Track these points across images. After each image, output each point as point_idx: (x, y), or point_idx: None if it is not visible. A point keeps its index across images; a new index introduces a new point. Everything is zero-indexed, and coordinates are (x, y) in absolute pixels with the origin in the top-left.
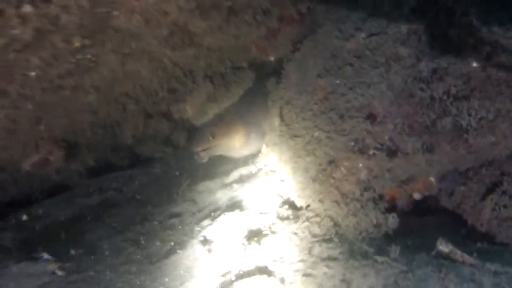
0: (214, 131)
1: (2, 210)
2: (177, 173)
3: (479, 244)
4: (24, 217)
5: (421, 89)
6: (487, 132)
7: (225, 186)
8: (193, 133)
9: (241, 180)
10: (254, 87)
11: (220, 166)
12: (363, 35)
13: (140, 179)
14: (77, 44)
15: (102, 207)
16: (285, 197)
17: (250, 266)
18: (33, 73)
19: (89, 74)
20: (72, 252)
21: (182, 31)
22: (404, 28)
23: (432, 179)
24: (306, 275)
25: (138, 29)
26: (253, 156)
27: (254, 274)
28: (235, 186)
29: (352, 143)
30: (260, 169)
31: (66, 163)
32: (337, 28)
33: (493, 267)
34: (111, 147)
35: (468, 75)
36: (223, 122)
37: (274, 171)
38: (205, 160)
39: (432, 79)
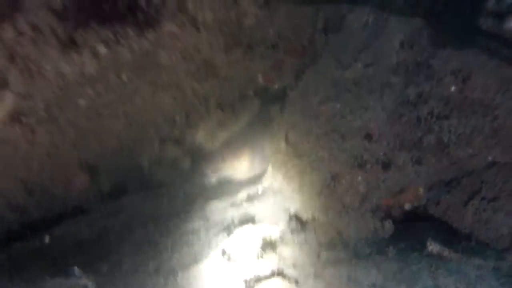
0: (223, 155)
1: (25, 231)
2: (189, 193)
3: (463, 244)
4: (47, 239)
5: (409, 111)
6: (465, 145)
7: (235, 204)
8: (204, 156)
9: (250, 198)
10: (258, 114)
11: (228, 186)
12: (359, 65)
13: (153, 200)
14: (124, 78)
15: (121, 227)
16: (292, 211)
17: (267, 271)
18: (83, 103)
19: (125, 103)
20: (100, 267)
21: (207, 65)
22: (394, 59)
23: (421, 190)
24: (317, 276)
25: (175, 64)
26: (259, 177)
27: (271, 277)
28: (245, 204)
29: (352, 159)
30: (266, 188)
31: (88, 186)
32: (336, 59)
33: (476, 261)
34: (126, 170)
35: (448, 97)
36: (231, 147)
37: (280, 189)
38: (214, 180)
39: (418, 102)
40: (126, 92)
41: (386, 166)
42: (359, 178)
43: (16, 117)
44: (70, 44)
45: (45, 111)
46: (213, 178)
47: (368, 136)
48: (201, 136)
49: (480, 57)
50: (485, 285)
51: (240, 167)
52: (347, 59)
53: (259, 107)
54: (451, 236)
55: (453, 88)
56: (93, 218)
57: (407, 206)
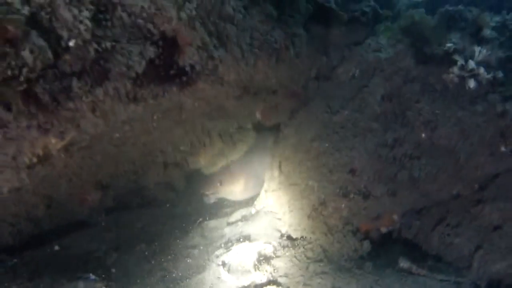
0: (221, 179)
1: (37, 240)
2: (188, 213)
3: (430, 262)
4: (57, 248)
5: (387, 152)
6: (433, 181)
7: (230, 224)
8: (203, 180)
9: (244, 219)
10: (254, 145)
11: (223, 207)
12: (346, 112)
13: (153, 218)
14: (155, 117)
15: (125, 241)
16: (283, 231)
17: (263, 280)
18: (117, 135)
19: (146, 135)
20: (109, 275)
21: (219, 108)
22: (376, 109)
23: (395, 216)
24: (306, 284)
25: (195, 107)
26: (251, 200)
27: (267, 285)
28: (240, 223)
29: (338, 189)
30: (258, 211)
31: (99, 203)
32: (326, 104)
33: (439, 276)
34: (132, 190)
35: (419, 142)
36: (229, 172)
37: (272, 211)
38: (212, 201)
39: (394, 145)
40: (151, 127)
41: (366, 196)
42: (343, 205)
43: (67, 147)
44: (133, 99)
45: (88, 141)
46: (210, 200)
47: (352, 171)
48: (201, 163)
49: (446, 112)
50: None
51: (235, 191)
52: (335, 106)
53: (255, 139)
54: (419, 255)
55: (423, 135)
56: (98, 230)
57: (383, 230)
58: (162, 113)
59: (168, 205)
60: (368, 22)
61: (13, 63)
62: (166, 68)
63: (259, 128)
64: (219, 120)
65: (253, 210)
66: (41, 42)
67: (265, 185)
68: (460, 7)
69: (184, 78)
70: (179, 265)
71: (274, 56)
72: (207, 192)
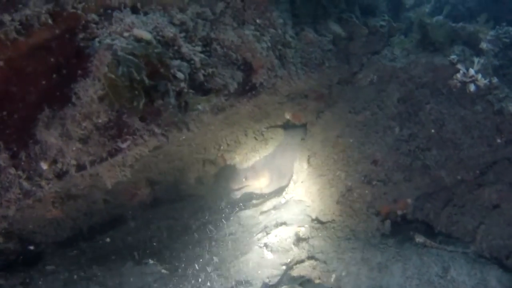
0: (246, 175)
1: (91, 232)
2: (223, 204)
3: (440, 237)
4: (108, 239)
5: (403, 145)
6: (441, 168)
7: (264, 212)
8: (236, 174)
9: (276, 208)
10: (283, 141)
11: (255, 199)
12: (368, 112)
13: (191, 210)
14: (217, 119)
15: (169, 231)
16: (314, 216)
17: (303, 256)
18: (184, 137)
19: (203, 135)
20: (163, 260)
21: (264, 111)
22: (394, 110)
23: (409, 201)
24: (339, 258)
25: (247, 111)
26: (275, 192)
27: (306, 260)
28: (272, 212)
29: (363, 178)
30: (288, 200)
31: (147, 198)
32: (349, 106)
33: (449, 248)
34: (169, 185)
35: (429, 136)
36: (253, 169)
37: (301, 200)
38: (238, 196)
39: (409, 139)
40: (209, 129)
41: (386, 182)
42: (367, 191)
43: None
44: (220, 110)
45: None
46: (242, 192)
47: (375, 162)
48: (237, 159)
49: (451, 111)
50: (456, 263)
51: (258, 186)
52: (358, 107)
53: (283, 136)
54: (431, 232)
55: (433, 131)
56: (141, 223)
57: (399, 212)
58: (224, 116)
59: (202, 199)
60: (384, 34)
61: (170, 85)
62: (244, 85)
63: (288, 126)
64: (262, 121)
65: (282, 200)
66: (178, 62)
67: (294, 177)
68: (462, 24)
69: (254, 92)
70: (224, 249)
71: (315, 70)
72: (237, 186)
